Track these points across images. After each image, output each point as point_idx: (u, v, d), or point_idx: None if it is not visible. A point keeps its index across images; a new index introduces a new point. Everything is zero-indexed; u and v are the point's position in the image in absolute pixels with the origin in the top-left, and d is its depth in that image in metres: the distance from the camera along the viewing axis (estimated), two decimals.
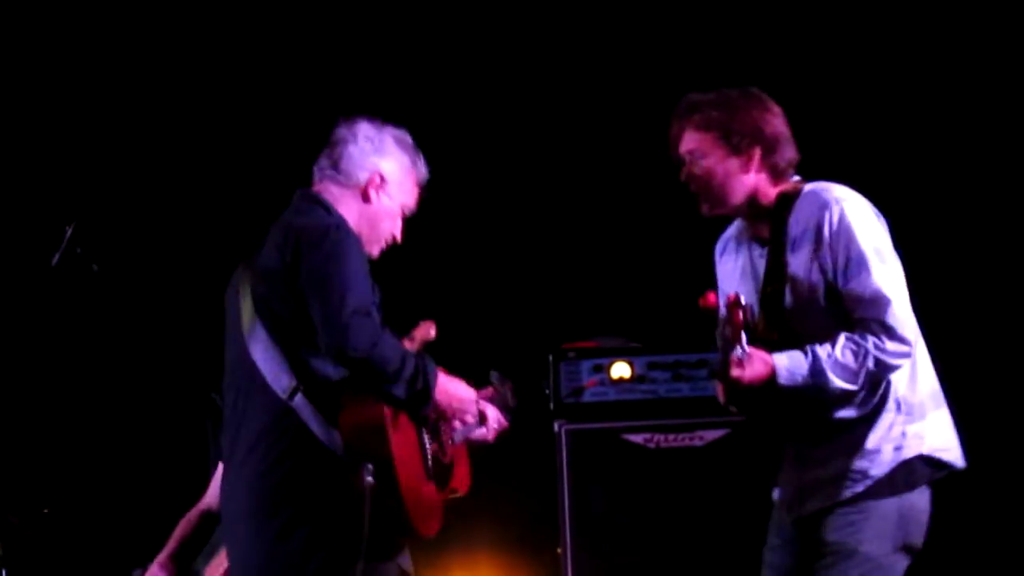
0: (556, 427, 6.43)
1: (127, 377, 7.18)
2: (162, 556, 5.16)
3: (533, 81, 7.46)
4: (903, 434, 4.50)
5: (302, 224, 4.37)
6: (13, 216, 7.22)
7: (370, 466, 4.19)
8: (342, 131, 4.58)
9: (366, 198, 4.53)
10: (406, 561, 4.49)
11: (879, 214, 4.59)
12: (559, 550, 6.37)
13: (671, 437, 6.42)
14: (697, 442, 6.41)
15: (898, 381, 4.51)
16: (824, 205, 4.52)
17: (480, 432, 4.68)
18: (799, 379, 4.43)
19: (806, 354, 4.44)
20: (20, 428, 7.06)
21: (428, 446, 4.47)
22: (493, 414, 4.72)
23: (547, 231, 7.48)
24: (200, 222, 7.29)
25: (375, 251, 4.57)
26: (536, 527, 6.70)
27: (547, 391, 6.49)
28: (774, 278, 4.56)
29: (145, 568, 5.17)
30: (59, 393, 7.26)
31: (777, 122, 4.63)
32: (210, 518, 5.00)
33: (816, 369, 4.42)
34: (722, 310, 4.49)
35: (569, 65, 7.45)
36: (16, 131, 7.32)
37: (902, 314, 4.46)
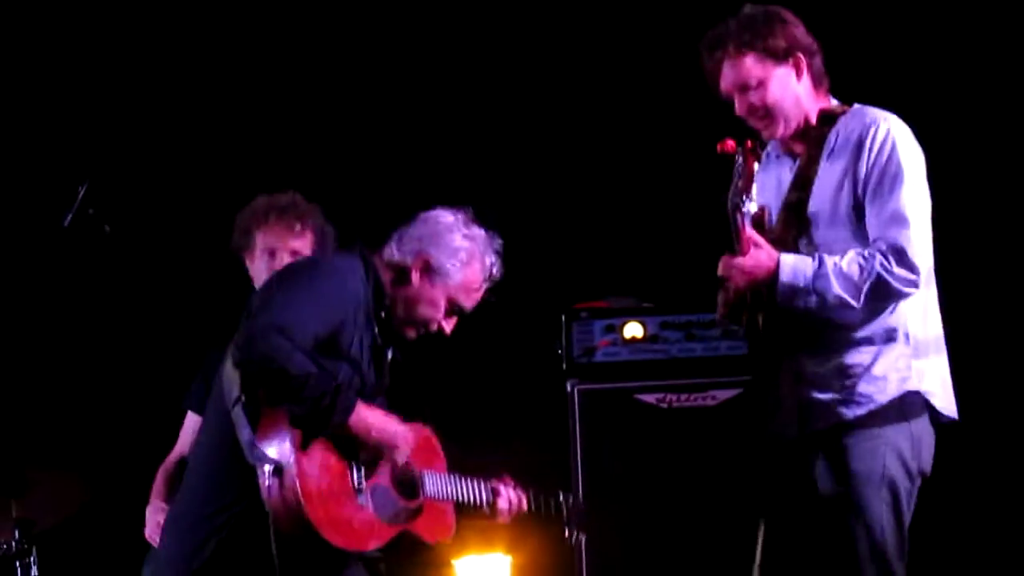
0: (569, 387, 6.43)
1: (138, 340, 7.19)
2: (153, 500, 5.28)
3: (546, 45, 7.43)
4: (908, 366, 4.52)
5: (302, 259, 4.65)
6: (25, 176, 7.22)
7: (269, 466, 4.26)
8: (423, 216, 4.67)
9: (407, 279, 4.58)
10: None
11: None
12: None
13: (683, 397, 6.42)
14: (710, 402, 6.41)
15: (909, 315, 4.52)
16: (872, 120, 4.55)
17: (485, 512, 4.80)
18: (801, 280, 4.43)
19: (814, 258, 4.45)
20: (31, 391, 7.07)
21: (361, 473, 4.47)
22: (506, 502, 4.80)
23: (560, 192, 7.46)
24: (214, 184, 7.28)
25: (410, 333, 4.64)
26: (549, 487, 6.70)
27: (559, 351, 6.49)
28: (800, 186, 4.57)
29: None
30: (70, 355, 7.27)
31: (801, 26, 4.66)
32: (185, 463, 5.06)
33: (820, 273, 4.42)
34: (738, 158, 4.47)
35: (579, 29, 7.43)
36: (28, 90, 7.31)
37: (918, 241, 4.46)
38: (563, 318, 6.51)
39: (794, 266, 4.43)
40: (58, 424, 7.15)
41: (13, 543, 5.60)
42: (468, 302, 4.67)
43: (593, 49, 7.43)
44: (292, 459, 4.28)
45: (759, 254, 4.43)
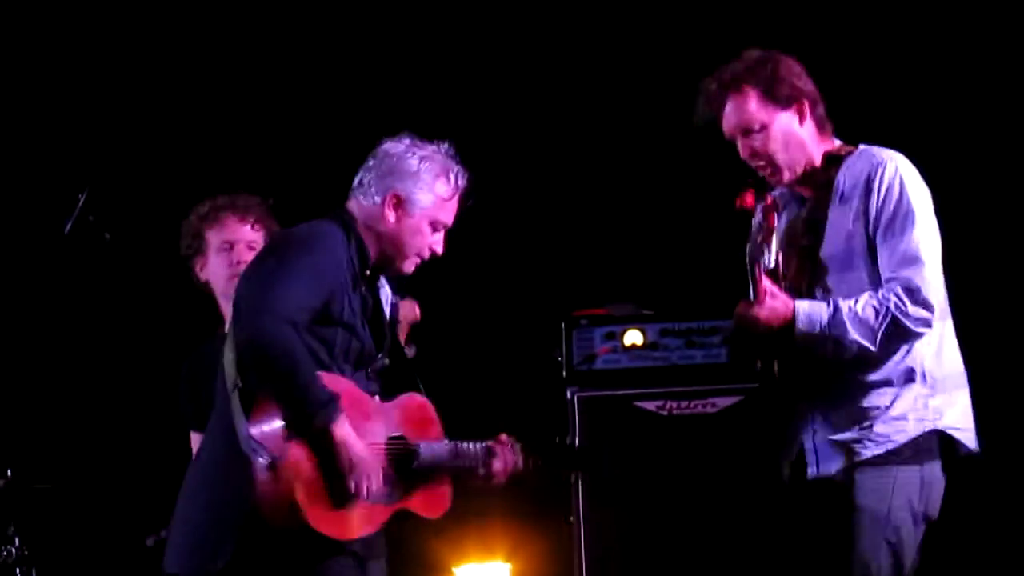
0: (568, 394, 6.44)
1: (139, 345, 7.19)
2: None
3: (548, 49, 7.44)
4: (926, 406, 4.51)
5: (283, 232, 4.58)
6: (26, 183, 7.22)
7: (264, 459, 4.28)
8: (373, 152, 4.68)
9: (384, 218, 4.60)
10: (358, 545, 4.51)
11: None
12: (571, 517, 6.38)
13: (683, 404, 6.43)
14: (710, 409, 6.41)
15: (924, 353, 4.52)
16: (879, 162, 4.55)
17: (480, 473, 4.74)
18: (817, 327, 4.44)
19: (828, 304, 4.45)
20: (32, 397, 7.07)
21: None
22: (501, 461, 4.76)
23: (560, 198, 7.46)
24: (213, 191, 7.27)
25: (405, 267, 4.65)
26: (549, 494, 6.70)
27: (559, 358, 6.49)
28: (812, 230, 4.57)
29: (158, 535, 5.20)
30: (70, 361, 7.27)
31: (804, 73, 4.66)
32: None
33: (836, 320, 4.43)
34: (758, 214, 4.47)
35: (582, 33, 7.43)
36: (29, 97, 7.31)
37: (932, 279, 4.47)
38: (563, 325, 6.52)
39: (809, 313, 4.45)
40: (58, 431, 7.15)
41: (14, 550, 5.61)
42: (448, 217, 4.68)
43: (594, 58, 7.43)
44: (286, 451, 4.29)
45: (775, 304, 4.44)
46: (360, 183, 4.64)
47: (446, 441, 4.70)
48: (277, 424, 4.31)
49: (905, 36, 7.10)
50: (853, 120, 4.84)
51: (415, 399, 4.69)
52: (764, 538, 6.02)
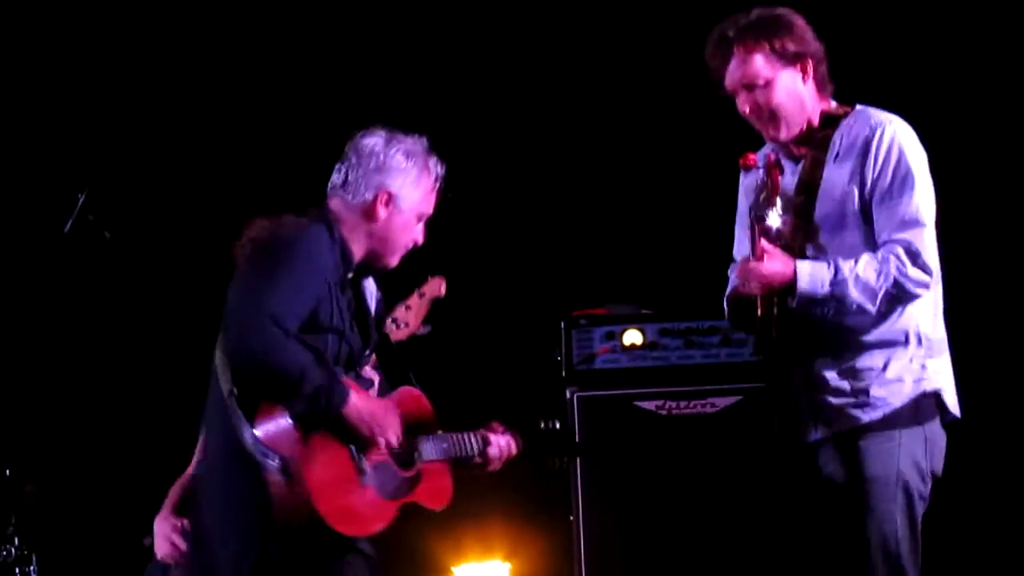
0: (568, 394, 6.44)
1: (138, 345, 7.19)
2: (164, 511, 5.23)
3: (548, 55, 7.44)
4: (923, 367, 4.54)
5: (266, 234, 4.48)
6: (26, 183, 7.22)
7: (275, 463, 4.27)
8: (350, 148, 4.65)
9: (374, 216, 4.59)
10: (365, 545, 4.55)
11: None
12: (571, 517, 6.38)
13: (683, 404, 6.43)
14: (709, 409, 6.41)
15: (920, 315, 4.54)
16: (877, 123, 4.57)
17: (477, 461, 4.79)
18: (818, 287, 4.45)
19: (828, 264, 4.46)
20: (31, 396, 7.06)
21: (360, 453, 4.49)
22: (496, 448, 4.81)
23: (559, 198, 7.47)
24: (213, 189, 7.28)
25: (392, 261, 4.65)
26: (548, 494, 6.70)
27: (559, 358, 6.49)
28: (805, 190, 4.57)
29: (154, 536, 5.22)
30: (70, 361, 7.26)
31: (811, 32, 4.67)
32: None
33: (837, 280, 4.44)
34: (759, 172, 4.46)
35: (581, 32, 7.43)
36: (28, 97, 7.31)
37: (930, 243, 4.49)
38: (562, 325, 6.52)
39: (811, 274, 4.45)
40: (58, 431, 7.15)
41: (13, 550, 5.60)
42: (431, 208, 4.69)
43: (593, 57, 7.43)
44: (297, 454, 4.29)
45: (775, 262, 4.44)
46: (344, 181, 4.60)
47: (443, 433, 4.72)
48: (285, 424, 4.31)
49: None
50: (853, 81, 4.84)
51: (411, 392, 4.70)
52: (764, 537, 6.02)
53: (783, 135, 4.63)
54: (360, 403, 4.40)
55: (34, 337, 7.16)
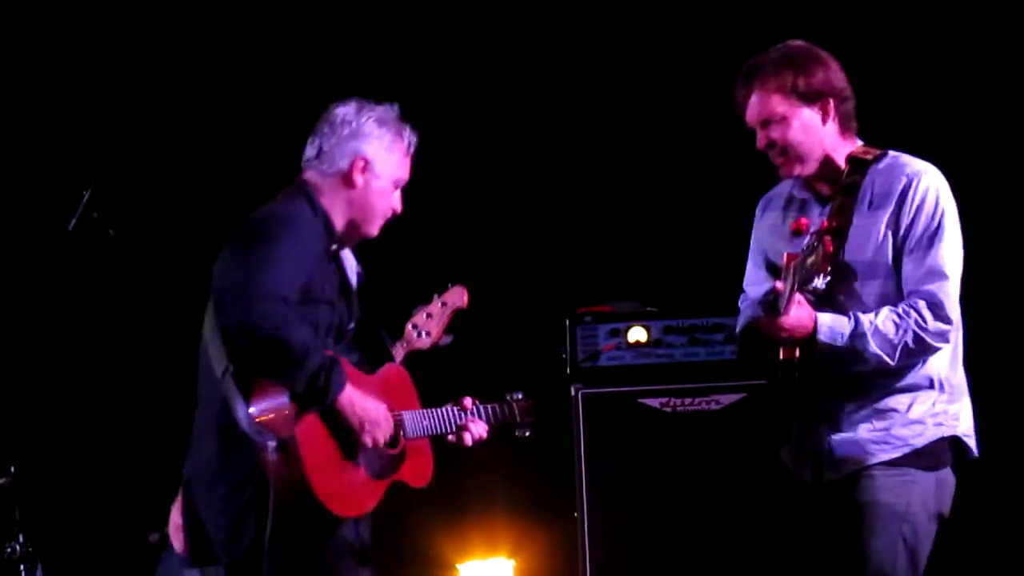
0: (573, 391, 6.44)
1: (143, 342, 7.20)
2: (179, 502, 5.22)
3: (552, 50, 7.43)
4: (945, 412, 4.55)
5: (257, 213, 4.49)
6: (30, 180, 7.22)
7: (272, 443, 4.28)
8: (322, 119, 4.64)
9: (351, 183, 4.58)
10: (351, 531, 4.53)
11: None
12: (575, 514, 6.38)
13: (687, 401, 6.43)
14: (713, 406, 6.41)
15: (940, 360, 4.55)
16: (914, 174, 4.55)
17: (451, 439, 4.76)
18: (839, 340, 4.45)
19: (849, 318, 4.46)
20: (35, 394, 7.07)
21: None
22: (476, 429, 4.78)
23: (564, 196, 7.46)
24: (217, 186, 7.28)
25: (373, 230, 4.64)
26: (553, 491, 6.70)
27: (564, 355, 6.49)
28: (835, 235, 4.54)
29: (162, 532, 5.20)
30: (74, 358, 7.27)
31: (839, 70, 4.64)
32: None
33: (857, 333, 4.44)
34: (811, 236, 4.42)
35: (587, 31, 7.43)
36: (32, 94, 7.31)
37: (953, 293, 4.51)
38: (567, 322, 6.52)
39: (831, 326, 4.46)
40: (63, 428, 7.15)
41: (18, 547, 5.61)
42: (407, 173, 4.68)
43: (598, 54, 7.42)
44: (294, 432, 4.30)
45: (800, 312, 4.43)
46: (319, 152, 4.59)
47: (424, 410, 4.71)
48: (281, 403, 4.31)
49: (926, 39, 7.09)
50: (877, 120, 4.83)
51: (394, 369, 4.70)
52: (767, 535, 6.02)
53: (796, 172, 4.62)
54: (354, 397, 4.41)
55: (38, 335, 7.17)
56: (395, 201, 4.65)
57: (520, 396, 4.95)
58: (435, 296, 5.01)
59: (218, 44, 7.42)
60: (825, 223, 4.41)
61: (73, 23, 7.35)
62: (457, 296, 5.02)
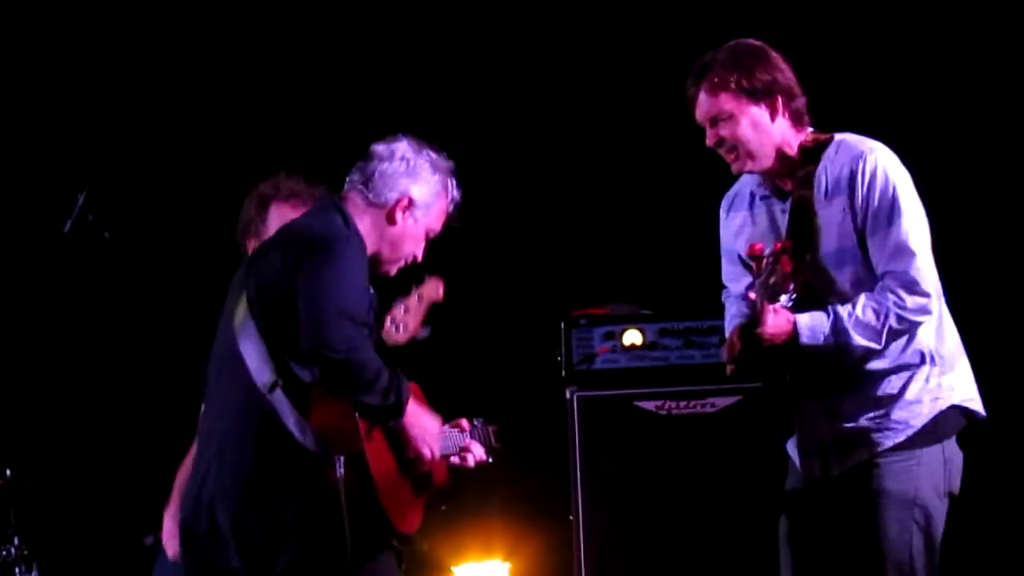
0: (568, 394, 6.44)
1: (138, 344, 7.20)
2: (172, 508, 5.21)
3: (548, 54, 7.44)
4: (939, 385, 4.55)
5: (311, 229, 4.46)
6: (25, 182, 7.22)
7: (342, 459, 4.29)
8: (380, 147, 4.63)
9: (391, 219, 4.58)
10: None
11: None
12: (571, 517, 6.38)
13: (683, 404, 6.43)
14: (709, 409, 6.42)
15: (926, 334, 4.54)
16: (858, 155, 4.55)
17: (455, 460, 4.78)
18: (821, 338, 4.45)
19: (828, 314, 4.47)
20: (30, 396, 7.07)
21: (405, 454, 4.54)
22: (477, 451, 4.81)
23: (559, 198, 7.47)
24: (213, 189, 7.28)
25: (392, 270, 4.65)
26: (548, 494, 6.71)
27: (559, 358, 6.50)
28: (800, 231, 4.55)
29: (156, 535, 5.20)
30: (69, 360, 7.27)
31: (788, 68, 4.64)
32: None
33: (838, 328, 4.45)
34: (766, 260, 4.44)
35: (580, 33, 7.44)
36: (28, 96, 7.31)
37: (925, 267, 4.49)
38: (562, 325, 6.52)
39: (811, 327, 4.46)
40: (58, 430, 7.15)
41: (13, 549, 5.61)
42: (440, 226, 4.68)
43: (593, 57, 7.43)
44: (363, 449, 4.32)
45: (778, 319, 4.43)
46: (369, 178, 4.58)
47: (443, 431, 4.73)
48: (347, 418, 4.32)
49: (886, 27, 7.12)
50: (834, 109, 4.83)
51: (413, 388, 4.71)
52: (763, 538, 6.03)
53: (748, 167, 4.63)
54: (416, 411, 4.46)
55: (34, 337, 7.17)
56: (419, 250, 4.65)
57: (481, 422, 4.96)
58: (413, 287, 5.01)
59: (213, 47, 7.42)
60: (779, 244, 4.41)
61: (69, 25, 7.36)
62: (432, 289, 5.02)
